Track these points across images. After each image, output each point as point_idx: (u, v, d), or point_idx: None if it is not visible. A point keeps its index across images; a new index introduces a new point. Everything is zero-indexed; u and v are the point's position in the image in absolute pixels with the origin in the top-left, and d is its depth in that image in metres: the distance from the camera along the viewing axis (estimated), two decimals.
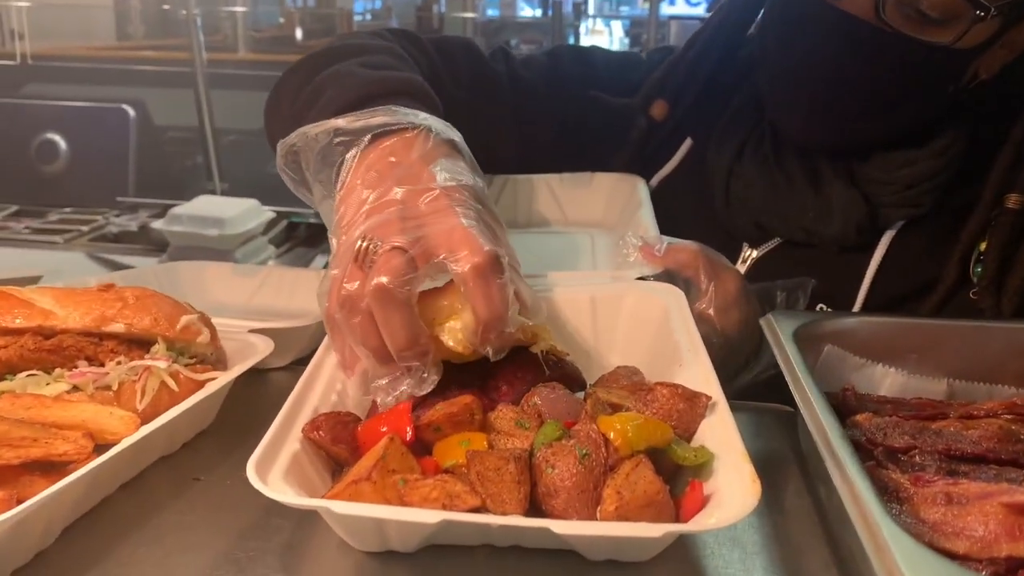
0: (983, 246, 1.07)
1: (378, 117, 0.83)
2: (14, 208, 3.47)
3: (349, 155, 0.82)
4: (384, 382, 0.78)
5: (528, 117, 1.32)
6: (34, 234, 3.23)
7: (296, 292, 1.26)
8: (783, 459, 0.88)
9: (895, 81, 1.05)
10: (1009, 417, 0.81)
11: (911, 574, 0.52)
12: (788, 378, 0.78)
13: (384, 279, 0.72)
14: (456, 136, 0.87)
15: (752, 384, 1.08)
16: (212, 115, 3.94)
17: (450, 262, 0.74)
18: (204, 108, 3.91)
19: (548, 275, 1.02)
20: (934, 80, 1.05)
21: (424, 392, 0.77)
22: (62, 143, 3.85)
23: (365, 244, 0.74)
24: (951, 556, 0.61)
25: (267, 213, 2.89)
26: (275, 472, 0.68)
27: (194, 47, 3.86)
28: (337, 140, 0.83)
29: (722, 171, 1.24)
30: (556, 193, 1.41)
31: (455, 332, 0.77)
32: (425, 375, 0.77)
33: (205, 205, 2.94)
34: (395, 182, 0.78)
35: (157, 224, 2.91)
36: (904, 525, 0.60)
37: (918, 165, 1.12)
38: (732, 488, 0.65)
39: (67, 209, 3.48)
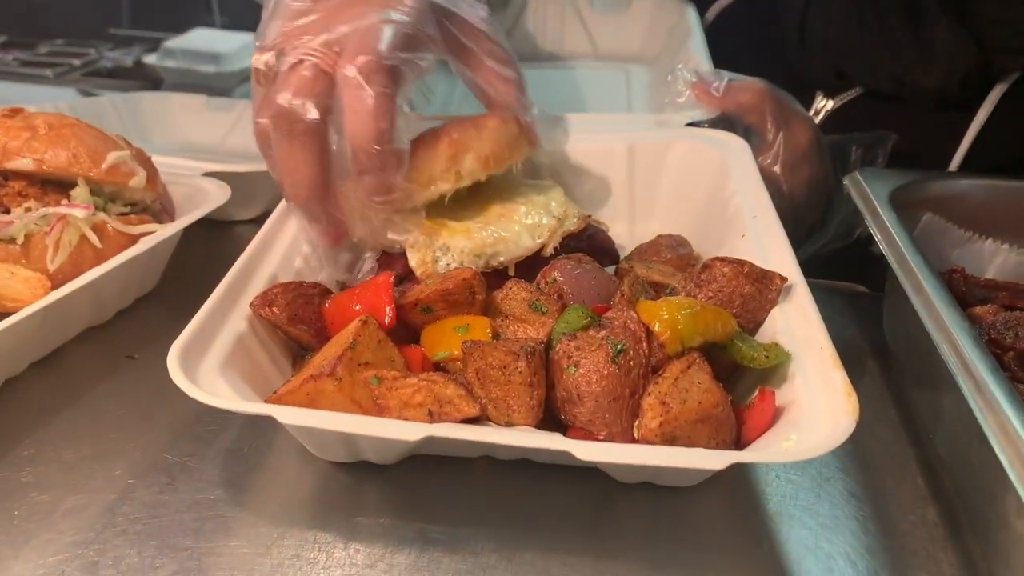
0: None
1: None
2: (3, 38, 3.27)
3: None
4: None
5: None
6: (23, 67, 3.04)
7: None
8: (857, 353, 0.71)
9: None
10: None
11: None
12: (889, 254, 0.60)
13: (282, 100, 0.55)
14: None
15: (812, 259, 0.90)
16: None
17: (339, 68, 0.56)
18: None
19: (572, 118, 0.82)
20: None
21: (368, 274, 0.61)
22: None
23: (267, 58, 0.56)
24: None
25: None
26: (209, 361, 0.51)
27: None
28: None
29: (798, 2, 1.00)
30: (586, 19, 1.19)
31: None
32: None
33: (201, 39, 2.74)
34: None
35: (150, 59, 2.72)
36: None
37: None
38: (817, 402, 0.48)
39: (58, 41, 3.28)
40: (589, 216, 0.72)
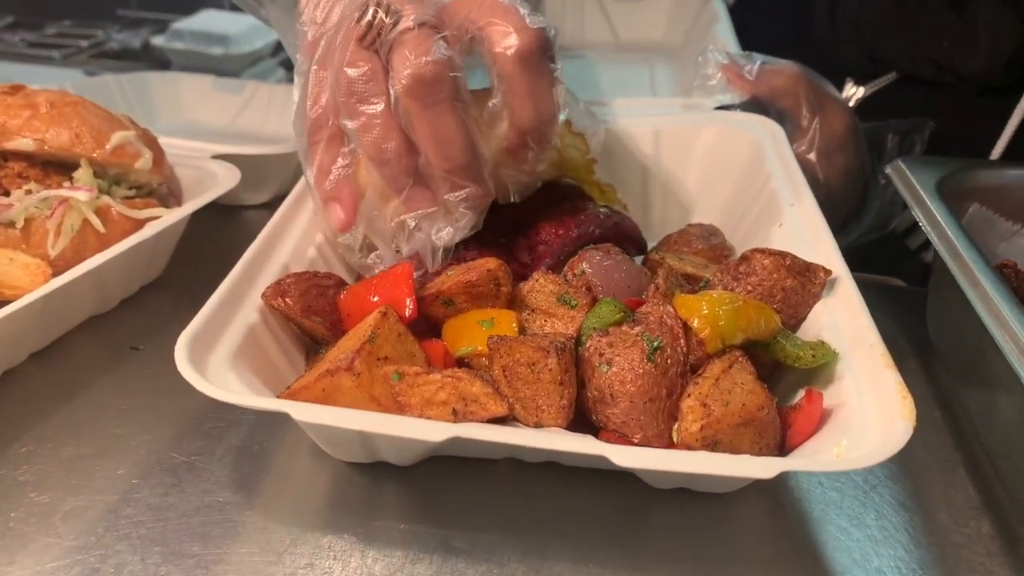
0: None
1: None
2: (10, 19, 3.25)
3: None
4: (411, 220, 0.56)
5: None
6: (30, 48, 3.02)
7: (287, 113, 1.03)
8: (899, 351, 0.67)
9: None
10: None
11: None
12: (940, 246, 0.57)
13: (427, 62, 0.50)
14: None
15: (847, 251, 0.87)
16: None
17: (487, 37, 0.52)
18: None
19: (596, 102, 0.79)
20: None
21: (463, 235, 0.56)
22: None
23: (374, 12, 0.51)
24: None
25: None
26: (219, 354, 0.48)
27: None
28: None
29: None
30: (606, 7, 1.15)
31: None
32: (465, 213, 0.55)
33: (210, 21, 2.72)
34: None
35: (158, 40, 2.70)
36: None
37: None
38: (868, 405, 0.45)
39: (66, 22, 3.25)
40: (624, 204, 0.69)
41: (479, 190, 0.54)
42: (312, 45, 0.56)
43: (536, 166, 0.59)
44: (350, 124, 0.52)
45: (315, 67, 0.55)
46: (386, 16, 0.51)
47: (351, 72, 0.51)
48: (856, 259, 0.82)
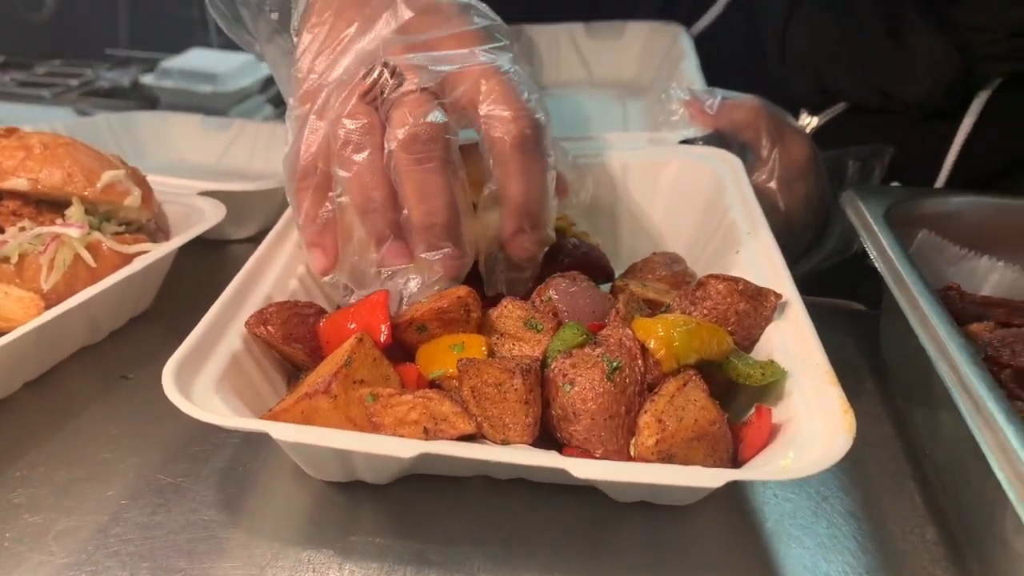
0: None
1: None
2: (1, 59, 3.28)
3: None
4: (389, 272, 0.59)
5: None
6: (21, 87, 3.05)
7: (273, 150, 1.07)
8: (855, 371, 0.71)
9: None
10: None
11: None
12: (885, 272, 0.60)
13: (424, 123, 0.53)
14: None
15: (810, 275, 0.90)
16: None
17: (485, 121, 0.55)
18: None
19: (568, 138, 0.83)
20: None
21: (432, 292, 0.58)
22: None
23: (380, 72, 0.55)
24: None
25: (265, 69, 2.67)
26: (204, 379, 0.51)
27: None
28: None
29: (777, 20, 1.01)
30: (580, 46, 1.19)
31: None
32: (439, 272, 0.58)
33: (198, 59, 2.76)
34: (391, 6, 0.58)
35: (147, 79, 2.74)
36: None
37: None
38: (814, 419, 0.48)
39: (55, 62, 3.29)
40: (590, 236, 0.72)
41: (456, 252, 0.57)
42: (310, 94, 0.59)
43: (530, 257, 0.61)
44: (341, 172, 0.55)
45: (312, 116, 0.58)
46: (391, 77, 0.54)
47: (350, 123, 0.55)
48: (819, 282, 0.86)
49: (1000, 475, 0.41)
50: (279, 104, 2.84)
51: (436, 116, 0.54)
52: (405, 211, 0.55)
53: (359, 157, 0.55)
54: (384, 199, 0.55)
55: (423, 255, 0.56)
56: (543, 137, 0.57)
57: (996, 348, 0.56)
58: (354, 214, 0.58)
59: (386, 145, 0.54)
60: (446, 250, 0.56)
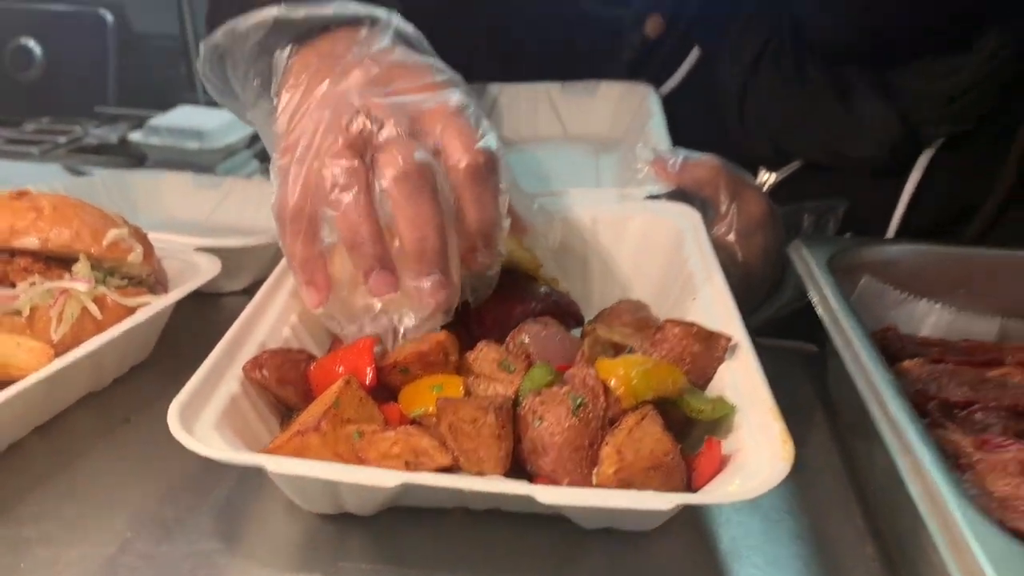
0: None
1: (329, 7, 0.69)
2: None
3: (289, 48, 0.68)
4: (378, 303, 0.64)
5: (508, 27, 1.16)
6: (9, 144, 3.10)
7: (263, 207, 1.11)
8: (807, 407, 0.77)
9: None
10: None
11: (994, 568, 0.41)
12: (823, 315, 0.66)
13: (414, 162, 0.59)
14: (423, 37, 0.73)
15: (771, 320, 0.96)
16: (196, 22, 3.73)
17: (445, 154, 0.62)
18: (187, 14, 3.70)
19: (543, 194, 0.89)
20: None
21: (438, 326, 0.64)
22: (37, 49, 3.67)
23: (363, 120, 0.61)
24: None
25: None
26: (205, 419, 0.56)
27: None
28: (277, 32, 0.69)
29: (735, 85, 1.08)
30: (556, 104, 1.26)
31: None
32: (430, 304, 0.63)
33: (185, 116, 2.81)
34: (360, 65, 0.65)
35: (135, 136, 2.79)
36: (968, 497, 0.48)
37: (962, 74, 0.97)
38: (758, 449, 0.53)
39: (44, 119, 3.35)
40: (561, 284, 0.78)
41: (445, 280, 0.62)
42: (290, 146, 0.64)
43: (486, 270, 0.67)
44: (331, 211, 0.61)
45: (295, 164, 0.63)
46: (371, 123, 0.61)
47: (336, 167, 0.60)
48: (779, 327, 0.92)
49: (914, 494, 0.46)
50: (265, 159, 2.89)
51: (422, 156, 0.60)
52: (396, 242, 0.61)
53: (347, 196, 0.60)
54: (371, 234, 0.61)
55: (413, 283, 0.61)
56: (495, 167, 0.63)
57: (925, 382, 0.62)
58: (341, 253, 0.64)
59: (376, 185, 0.60)
60: (436, 276, 0.61)
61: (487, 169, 0.62)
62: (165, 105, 3.07)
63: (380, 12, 0.70)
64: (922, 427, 0.51)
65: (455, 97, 0.64)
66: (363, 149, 0.61)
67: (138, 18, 3.92)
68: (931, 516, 0.45)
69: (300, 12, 0.68)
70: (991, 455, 0.54)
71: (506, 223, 0.66)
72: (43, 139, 3.15)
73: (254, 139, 2.80)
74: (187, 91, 3.91)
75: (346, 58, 0.65)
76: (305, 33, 0.69)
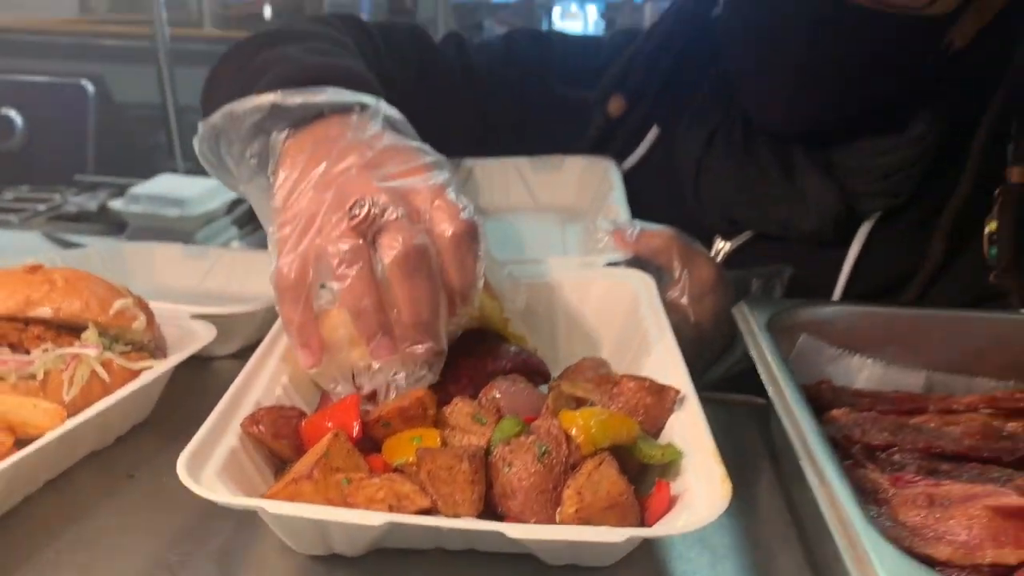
0: (993, 226, 1.03)
1: (323, 95, 0.78)
2: None
3: (285, 132, 0.76)
4: (376, 363, 0.71)
5: (483, 106, 1.26)
6: None
7: (249, 276, 1.20)
8: (755, 455, 0.84)
9: (872, 56, 1.00)
10: (989, 412, 0.78)
11: None
12: (761, 370, 0.74)
13: (414, 245, 0.67)
14: (407, 121, 0.82)
15: (725, 377, 1.04)
16: (175, 92, 3.83)
17: (432, 225, 0.70)
18: (167, 85, 3.80)
19: (514, 260, 0.97)
20: (910, 52, 1.01)
21: (427, 384, 0.72)
22: (18, 119, 3.73)
23: (369, 205, 0.68)
24: (931, 562, 0.57)
25: (230, 193, 2.80)
26: (209, 469, 0.62)
27: (156, 22, 3.75)
28: (274, 116, 0.77)
29: (691, 162, 1.18)
30: (526, 177, 1.35)
31: None
32: (426, 369, 0.72)
33: (165, 184, 2.86)
34: (355, 149, 0.73)
35: (115, 204, 2.84)
36: (882, 528, 0.56)
37: (896, 153, 1.08)
38: (701, 489, 0.61)
39: (23, 187, 3.40)
40: (530, 343, 0.86)
41: (436, 347, 0.70)
42: (287, 221, 0.71)
43: (461, 320, 0.75)
44: (336, 285, 0.68)
45: (293, 239, 0.69)
46: (374, 208, 0.68)
47: (343, 245, 0.67)
48: (732, 383, 1.00)
49: (828, 520, 0.54)
50: (243, 226, 2.97)
51: (421, 239, 0.68)
52: (396, 312, 0.68)
53: (352, 271, 0.68)
54: (374, 305, 0.68)
55: (409, 349, 0.69)
56: (477, 236, 0.71)
57: (850, 428, 0.70)
58: (335, 319, 0.71)
59: (378, 263, 0.67)
60: (429, 344, 0.69)
61: (470, 237, 0.70)
62: (144, 173, 3.13)
63: (369, 99, 0.79)
64: (839, 465, 0.58)
65: (441, 178, 0.72)
66: (366, 231, 0.68)
67: (119, 88, 4.02)
68: (841, 538, 0.52)
69: (296, 99, 0.76)
70: (903, 491, 0.61)
71: (480, 283, 0.74)
72: (23, 207, 3.19)
73: (232, 206, 2.87)
74: (167, 159, 3.99)
75: (340, 143, 0.73)
76: (300, 118, 0.77)
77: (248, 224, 3.00)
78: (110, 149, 3.88)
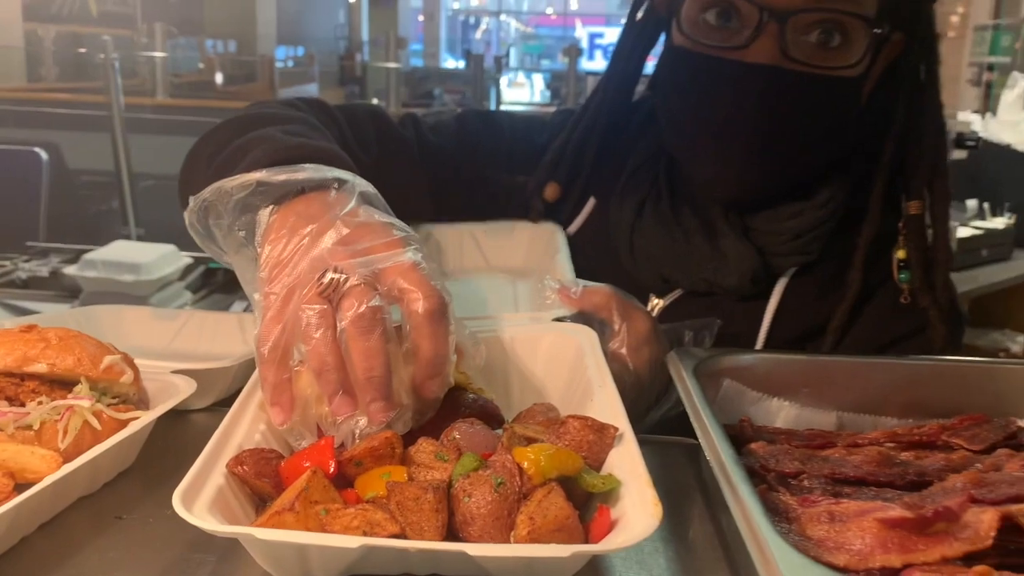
0: (901, 254, 1.18)
1: (303, 172, 0.87)
2: None
3: (270, 208, 0.85)
4: (340, 419, 0.79)
5: (438, 181, 1.37)
6: None
7: (216, 336, 1.27)
8: (688, 489, 0.93)
9: (813, 119, 1.12)
10: (890, 445, 0.88)
11: None
12: (689, 411, 0.84)
13: (367, 307, 0.75)
14: (379, 194, 0.91)
15: (662, 420, 1.14)
16: (129, 159, 3.89)
17: (405, 300, 0.78)
18: (120, 152, 3.85)
19: (471, 318, 1.06)
20: (840, 111, 1.15)
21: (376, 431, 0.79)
22: None
23: (333, 276, 0.77)
24: (833, 568, 0.66)
25: (184, 259, 2.85)
26: (200, 504, 0.69)
27: (111, 91, 3.81)
28: (259, 193, 0.86)
29: (625, 227, 1.30)
30: (479, 241, 1.45)
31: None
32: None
33: (120, 250, 2.89)
34: (333, 226, 0.81)
35: (70, 270, 2.85)
36: (791, 542, 0.65)
37: (804, 216, 1.21)
38: (636, 512, 0.70)
39: None
40: (486, 392, 0.94)
41: (387, 404, 0.77)
42: (272, 290, 0.79)
43: (434, 396, 0.83)
44: (304, 347, 0.77)
45: (277, 306, 0.78)
46: (339, 276, 0.77)
47: (309, 311, 0.76)
48: (668, 425, 1.10)
49: (744, 534, 0.63)
50: (196, 291, 3.03)
51: (375, 301, 0.77)
52: (351, 369, 0.76)
53: (317, 334, 0.76)
54: (335, 363, 0.76)
55: (363, 404, 0.77)
56: (446, 311, 0.80)
57: (766, 459, 0.80)
58: (306, 379, 0.79)
59: (338, 324, 0.76)
60: (380, 402, 0.77)
61: (440, 312, 0.79)
62: (96, 240, 3.16)
63: (345, 176, 0.89)
64: (754, 490, 0.68)
65: (410, 254, 0.81)
66: (332, 296, 0.77)
67: (72, 156, 4.06)
68: (755, 549, 0.62)
69: (279, 177, 0.86)
70: (809, 509, 0.71)
71: (454, 357, 0.82)
72: None
73: (186, 272, 2.92)
74: (119, 225, 4.02)
75: (320, 220, 0.82)
76: (283, 194, 0.86)
77: (201, 289, 3.05)
78: (62, 216, 3.91)
